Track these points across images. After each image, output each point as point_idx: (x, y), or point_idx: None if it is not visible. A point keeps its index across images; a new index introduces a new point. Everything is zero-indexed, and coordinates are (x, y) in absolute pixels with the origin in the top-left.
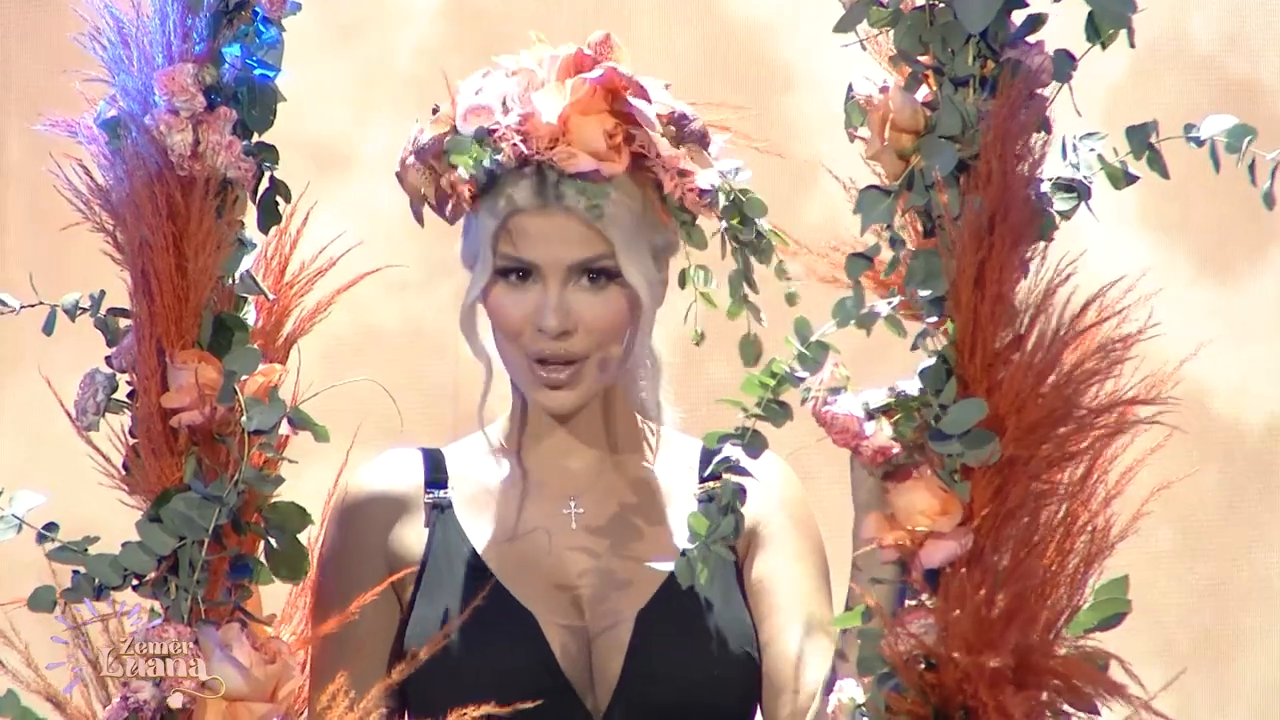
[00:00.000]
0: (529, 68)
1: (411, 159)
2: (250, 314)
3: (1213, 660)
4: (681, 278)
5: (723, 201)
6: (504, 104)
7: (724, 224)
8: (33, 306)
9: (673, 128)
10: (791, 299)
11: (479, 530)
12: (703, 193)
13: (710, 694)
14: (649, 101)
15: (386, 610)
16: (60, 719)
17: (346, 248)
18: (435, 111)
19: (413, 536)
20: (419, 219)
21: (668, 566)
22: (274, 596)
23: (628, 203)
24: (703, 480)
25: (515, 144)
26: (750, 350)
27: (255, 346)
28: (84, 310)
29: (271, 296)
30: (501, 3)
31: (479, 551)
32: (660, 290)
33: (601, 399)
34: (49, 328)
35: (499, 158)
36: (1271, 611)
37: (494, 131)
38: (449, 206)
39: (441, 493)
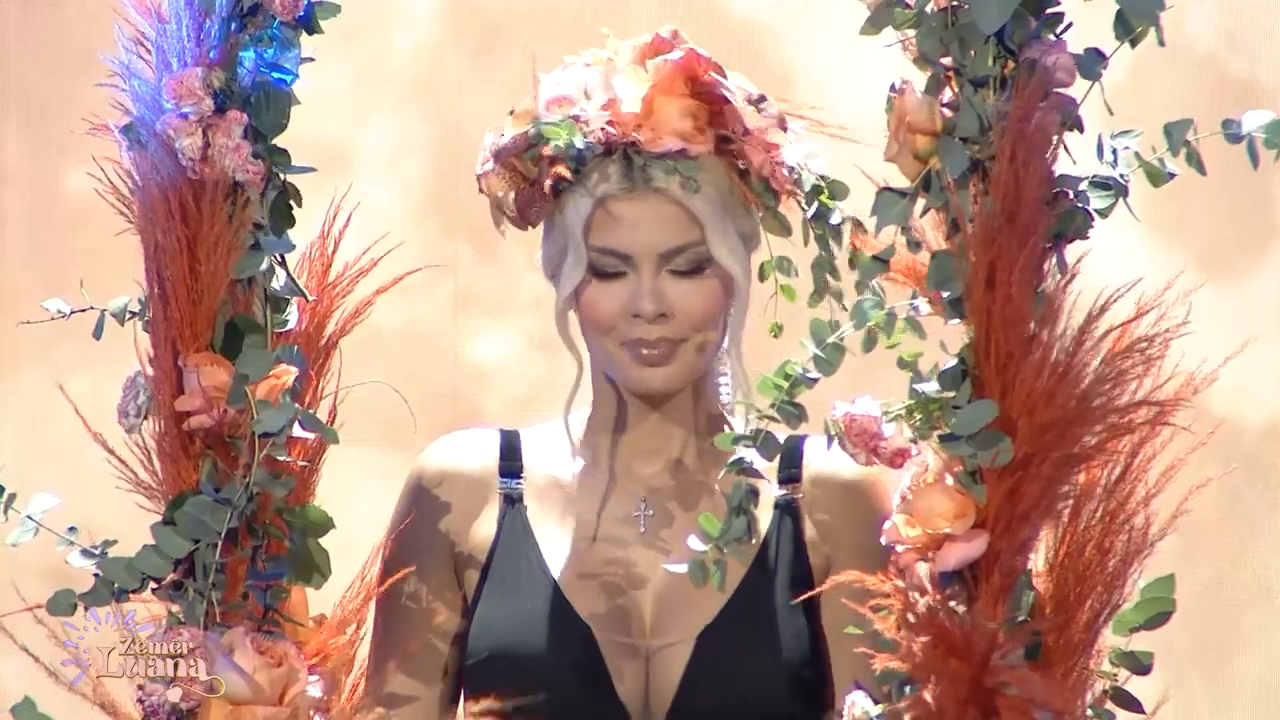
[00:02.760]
0: (606, 57)
1: (491, 163)
2: (293, 316)
3: (1211, 661)
4: (762, 270)
5: (809, 182)
6: (585, 92)
7: (809, 209)
8: (83, 311)
9: (752, 108)
10: (860, 287)
11: (548, 531)
12: (789, 169)
13: None
14: (726, 78)
15: (448, 596)
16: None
17: (387, 249)
18: (512, 112)
19: (483, 526)
20: (499, 225)
21: (681, 568)
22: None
23: (714, 185)
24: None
25: (603, 127)
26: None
27: (275, 350)
28: (133, 315)
29: (312, 298)
30: (500, 3)
31: (545, 555)
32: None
33: (691, 394)
34: (98, 332)
35: (589, 139)
36: (1270, 612)
37: (579, 118)
38: (532, 208)
39: (515, 483)
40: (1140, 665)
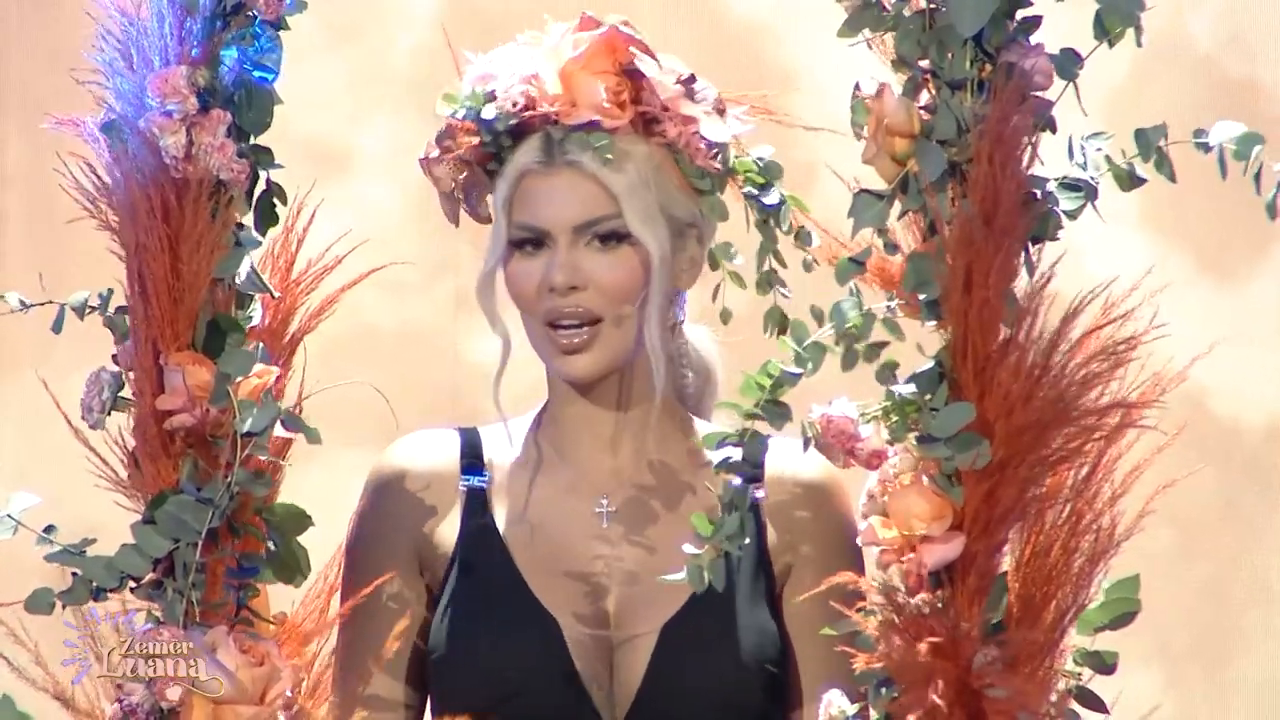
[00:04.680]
0: (539, 37)
1: (435, 151)
2: (257, 312)
3: (1210, 661)
4: (712, 259)
5: (733, 158)
6: (510, 70)
7: (745, 191)
8: (41, 305)
9: (681, 88)
10: (808, 266)
11: (511, 527)
12: (710, 145)
13: (729, 715)
14: (653, 58)
15: (412, 596)
16: (67, 718)
17: (351, 246)
18: (445, 95)
19: (446, 525)
20: (453, 219)
21: (680, 578)
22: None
23: (635, 162)
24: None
25: (514, 98)
26: (774, 319)
27: (250, 348)
28: (93, 309)
29: (277, 294)
30: (500, 3)
31: (509, 551)
32: (685, 264)
33: (620, 378)
34: (58, 326)
35: (501, 110)
36: (1269, 612)
37: (494, 91)
38: (474, 192)
39: (477, 480)
40: (1104, 665)
